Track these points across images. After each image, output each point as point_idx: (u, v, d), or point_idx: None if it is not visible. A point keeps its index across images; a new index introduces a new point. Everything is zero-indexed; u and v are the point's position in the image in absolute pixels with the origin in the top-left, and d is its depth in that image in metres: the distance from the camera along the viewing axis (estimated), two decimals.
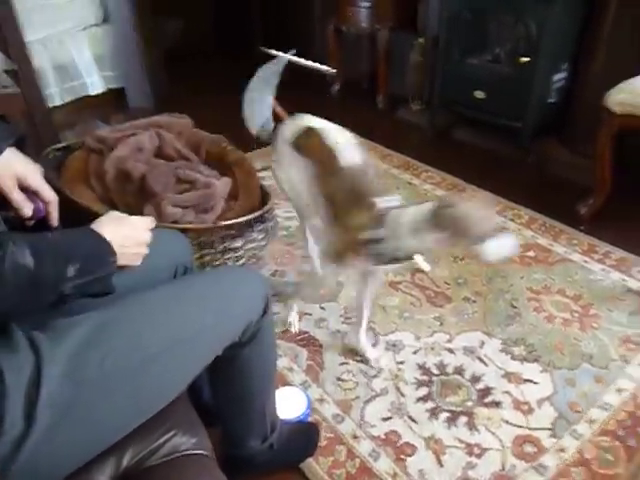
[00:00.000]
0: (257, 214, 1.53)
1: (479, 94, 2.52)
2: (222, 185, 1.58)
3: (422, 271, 1.84)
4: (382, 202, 1.21)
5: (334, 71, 3.40)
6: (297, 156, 1.40)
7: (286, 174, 1.47)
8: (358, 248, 1.21)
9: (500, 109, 2.49)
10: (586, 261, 1.89)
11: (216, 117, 2.21)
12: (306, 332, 1.61)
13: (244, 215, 1.51)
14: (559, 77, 2.39)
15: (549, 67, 2.34)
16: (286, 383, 1.45)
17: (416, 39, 2.94)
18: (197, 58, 3.91)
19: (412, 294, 1.75)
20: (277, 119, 1.54)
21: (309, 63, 3.85)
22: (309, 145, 1.38)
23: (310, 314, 1.68)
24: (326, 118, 1.45)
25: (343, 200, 1.27)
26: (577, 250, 1.94)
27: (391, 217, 1.17)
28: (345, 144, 1.34)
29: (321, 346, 1.57)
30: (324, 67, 3.62)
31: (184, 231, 1.38)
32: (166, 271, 0.98)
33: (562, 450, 1.28)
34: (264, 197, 1.63)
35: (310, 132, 1.39)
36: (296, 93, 3.26)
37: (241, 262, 1.58)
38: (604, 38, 2.20)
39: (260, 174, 1.73)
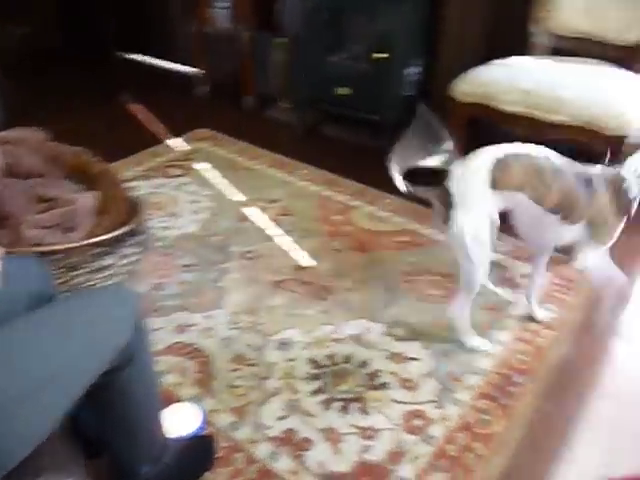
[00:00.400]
0: (127, 228, 1.45)
1: (342, 90, 2.62)
2: (86, 200, 1.48)
3: (304, 267, 1.88)
4: None
5: (200, 72, 3.34)
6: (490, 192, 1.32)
7: (473, 218, 1.34)
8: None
9: (362, 104, 2.61)
10: None
11: (75, 128, 2.07)
12: (192, 344, 1.57)
13: (114, 230, 1.43)
14: (413, 71, 2.55)
15: (403, 62, 2.49)
16: (177, 399, 1.40)
17: (278, 38, 2.98)
18: (47, 66, 3.63)
19: (296, 291, 1.78)
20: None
21: (171, 65, 3.74)
22: (509, 174, 1.32)
23: (194, 325, 1.64)
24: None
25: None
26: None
27: None
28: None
29: (209, 356, 1.54)
30: (188, 68, 3.54)
31: (48, 253, 1.28)
32: (22, 303, 0.90)
33: (446, 419, 1.37)
34: (135, 208, 1.56)
35: (506, 161, 1.33)
36: (159, 96, 3.18)
37: (116, 279, 1.49)
38: (449, 33, 2.39)
39: (131, 184, 1.64)
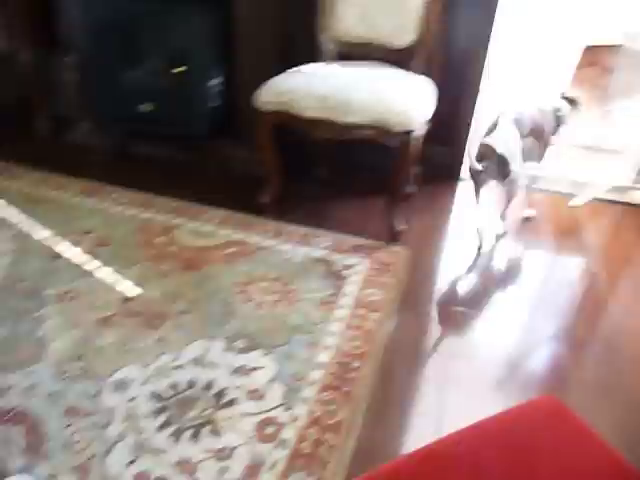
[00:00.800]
0: None
1: (146, 107, 2.53)
2: None
3: (131, 298, 1.79)
4: None
5: None
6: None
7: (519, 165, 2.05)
8: None
9: (167, 119, 2.55)
10: (278, 244, 2.11)
11: None
12: (13, 408, 1.41)
13: None
14: (215, 83, 2.55)
15: (203, 74, 2.48)
16: (5, 475, 1.25)
17: (66, 57, 2.75)
18: None
19: (126, 324, 1.69)
20: None
21: None
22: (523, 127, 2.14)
23: (12, 386, 1.46)
24: None
25: None
26: (268, 236, 2.15)
27: None
28: None
29: (36, 417, 1.39)
30: None
31: None
32: None
33: (296, 419, 1.43)
34: None
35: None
36: None
37: None
38: (244, 44, 2.44)
39: None
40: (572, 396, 1.57)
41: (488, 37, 2.39)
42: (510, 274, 2.09)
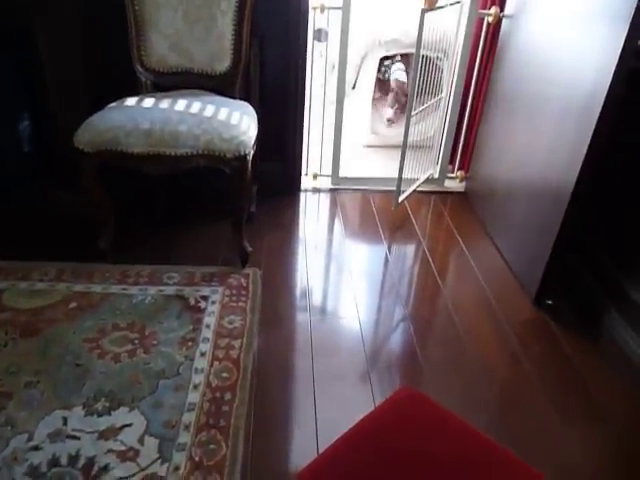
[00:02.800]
0: None
1: None
2: None
3: None
4: None
5: None
6: None
7: None
8: None
9: None
10: (124, 288, 2.01)
11: None
12: None
13: None
14: (23, 126, 2.34)
15: (8, 120, 2.26)
16: None
17: None
18: None
19: None
20: None
21: None
22: None
23: None
24: None
25: None
26: (113, 282, 2.04)
27: None
28: None
29: None
30: None
31: None
32: None
33: (177, 468, 1.38)
34: None
35: None
36: None
37: None
38: (51, 82, 2.27)
39: None
40: (426, 378, 1.75)
41: (304, 57, 2.53)
42: (355, 270, 2.25)
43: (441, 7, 2.40)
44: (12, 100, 2.25)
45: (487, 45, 2.71)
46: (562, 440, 1.56)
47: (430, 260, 2.35)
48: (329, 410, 1.59)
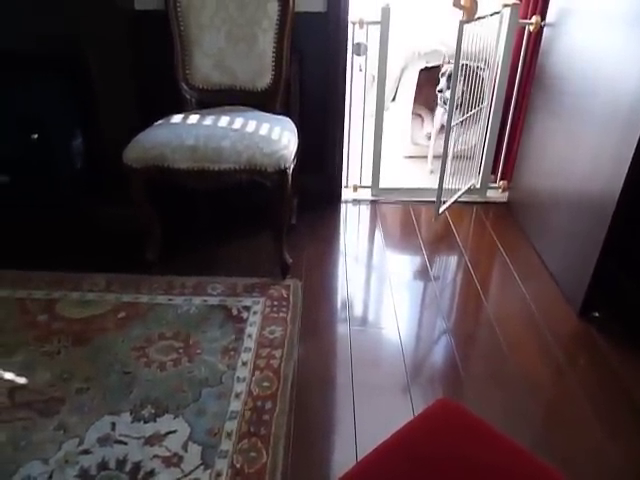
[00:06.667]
0: None
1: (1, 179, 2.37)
2: None
3: (18, 388, 1.66)
4: None
5: None
6: None
7: None
8: None
9: (30, 188, 2.42)
10: (170, 299, 2.08)
11: None
12: None
13: None
14: (77, 144, 2.47)
15: (63, 138, 2.39)
16: None
17: None
18: None
19: (18, 417, 1.57)
20: None
21: None
22: None
23: None
24: None
25: None
26: (159, 292, 2.11)
27: None
28: None
29: None
30: None
31: None
32: None
33: (219, 474, 1.42)
34: None
35: None
36: None
37: None
38: (103, 102, 2.39)
39: None
40: (467, 392, 1.72)
41: (343, 69, 2.57)
42: (395, 282, 2.24)
43: (480, 18, 2.40)
44: (66, 120, 2.38)
45: (529, 54, 2.68)
46: (608, 454, 1.51)
47: (472, 271, 2.32)
48: (368, 421, 1.59)
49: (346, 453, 1.49)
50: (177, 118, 2.20)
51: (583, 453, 1.52)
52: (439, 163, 2.59)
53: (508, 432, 1.05)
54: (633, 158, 1.72)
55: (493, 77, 2.74)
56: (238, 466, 1.44)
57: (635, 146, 1.70)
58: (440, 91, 2.98)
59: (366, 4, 2.94)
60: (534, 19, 2.56)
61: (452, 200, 2.78)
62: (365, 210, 2.86)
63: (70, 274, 2.20)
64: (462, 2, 2.27)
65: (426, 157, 3.26)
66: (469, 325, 2.05)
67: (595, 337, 1.95)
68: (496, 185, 3.00)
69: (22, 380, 1.69)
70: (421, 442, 1.03)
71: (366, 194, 2.96)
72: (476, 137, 2.90)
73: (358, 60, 2.76)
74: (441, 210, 2.69)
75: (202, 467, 1.43)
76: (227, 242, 2.48)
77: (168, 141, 2.00)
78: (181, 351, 1.82)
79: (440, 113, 3.09)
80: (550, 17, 2.46)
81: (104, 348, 1.83)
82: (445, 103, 3.00)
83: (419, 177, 3.14)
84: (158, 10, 2.31)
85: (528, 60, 2.69)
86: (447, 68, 2.93)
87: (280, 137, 2.06)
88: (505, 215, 2.79)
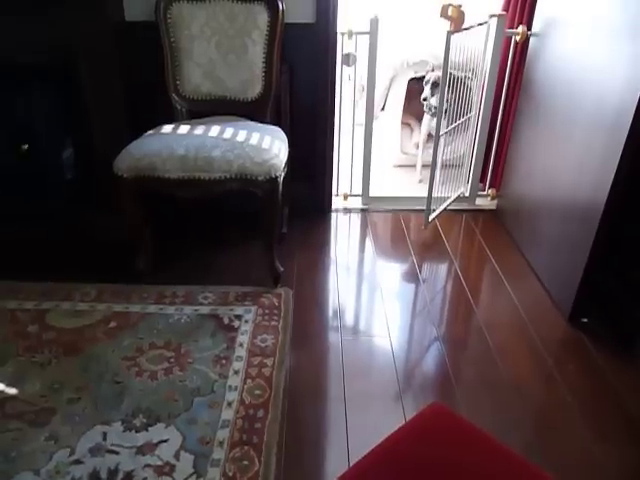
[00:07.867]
0: None
1: None
2: None
3: (7, 398, 1.65)
4: None
5: None
6: None
7: None
8: None
9: (21, 199, 2.41)
10: (161, 308, 2.07)
11: None
12: None
13: None
14: (67, 155, 2.47)
15: (53, 149, 2.39)
16: None
17: None
18: None
19: (7, 429, 1.55)
20: None
21: None
22: None
23: None
24: None
25: None
26: (150, 302, 2.11)
27: None
28: None
29: None
30: None
31: None
32: None
33: None
34: None
35: None
36: None
37: None
38: (93, 112, 2.40)
39: None
40: (458, 397, 1.73)
41: (333, 81, 2.60)
42: (386, 289, 2.26)
43: (467, 28, 2.44)
44: (57, 130, 2.38)
45: (515, 63, 2.73)
46: (597, 459, 1.52)
47: (462, 279, 2.34)
48: (360, 428, 1.60)
49: (338, 461, 1.49)
50: (168, 128, 2.21)
51: (573, 458, 1.53)
52: (428, 172, 2.62)
53: (499, 437, 1.06)
54: (618, 166, 1.75)
55: (481, 86, 2.78)
56: (230, 475, 1.43)
57: (620, 154, 1.73)
58: (425, 99, 3.02)
59: (355, 15, 2.98)
60: (520, 29, 2.61)
61: (442, 208, 2.80)
62: (355, 218, 2.88)
63: (61, 284, 2.20)
64: (449, 13, 2.31)
65: (415, 166, 3.29)
66: (459, 332, 2.06)
67: (584, 342, 1.97)
68: (485, 193, 3.04)
69: (12, 391, 1.68)
70: (412, 446, 1.04)
71: (356, 203, 2.98)
72: (465, 146, 2.94)
73: (347, 70, 2.79)
74: (431, 218, 2.71)
75: (194, 476, 1.43)
76: (218, 251, 2.49)
77: (159, 151, 2.01)
78: (172, 360, 1.82)
79: (427, 120, 3.13)
80: (536, 27, 2.50)
81: (95, 358, 1.82)
82: (431, 110, 3.04)
83: (409, 186, 3.17)
84: (148, 21, 2.32)
85: (515, 69, 2.73)
86: (431, 76, 2.97)
87: (271, 146, 2.08)
88: (494, 222, 2.82)
